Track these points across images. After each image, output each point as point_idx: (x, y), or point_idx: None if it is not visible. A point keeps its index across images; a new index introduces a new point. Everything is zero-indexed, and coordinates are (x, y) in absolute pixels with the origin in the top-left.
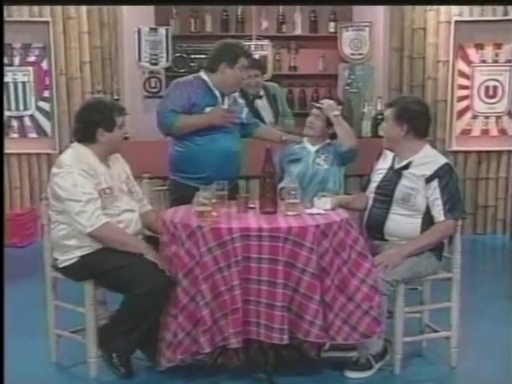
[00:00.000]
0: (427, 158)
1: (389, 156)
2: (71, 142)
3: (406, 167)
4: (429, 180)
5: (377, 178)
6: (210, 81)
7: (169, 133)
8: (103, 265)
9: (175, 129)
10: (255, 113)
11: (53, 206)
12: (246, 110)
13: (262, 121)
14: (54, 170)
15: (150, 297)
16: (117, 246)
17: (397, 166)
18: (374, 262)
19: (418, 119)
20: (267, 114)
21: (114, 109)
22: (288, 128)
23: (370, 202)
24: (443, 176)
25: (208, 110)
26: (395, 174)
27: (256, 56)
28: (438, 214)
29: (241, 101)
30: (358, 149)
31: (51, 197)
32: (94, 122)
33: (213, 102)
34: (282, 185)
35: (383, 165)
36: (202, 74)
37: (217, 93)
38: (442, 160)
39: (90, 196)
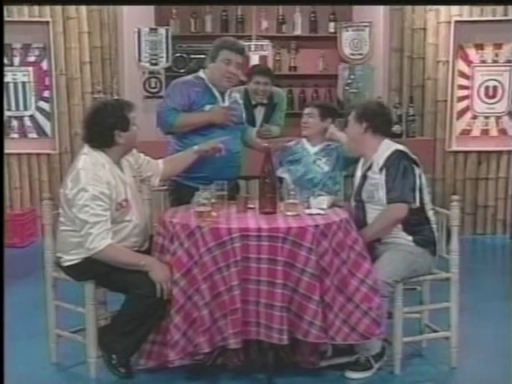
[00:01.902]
0: (382, 152)
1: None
2: (84, 147)
3: (370, 168)
4: (381, 170)
5: (354, 188)
6: (206, 78)
7: (169, 131)
8: (106, 265)
9: (176, 127)
10: (251, 118)
11: (65, 213)
12: (244, 112)
13: (253, 125)
14: (69, 184)
15: (152, 298)
16: (123, 266)
17: (362, 170)
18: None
19: (375, 117)
20: (259, 120)
21: (124, 107)
22: (270, 132)
23: (354, 209)
24: (391, 163)
25: (208, 107)
26: (362, 178)
27: (265, 64)
28: (382, 199)
29: (241, 101)
30: None
31: (65, 205)
32: (109, 125)
33: (212, 101)
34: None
35: (358, 174)
36: (201, 73)
37: (215, 91)
38: (393, 148)
39: (98, 218)
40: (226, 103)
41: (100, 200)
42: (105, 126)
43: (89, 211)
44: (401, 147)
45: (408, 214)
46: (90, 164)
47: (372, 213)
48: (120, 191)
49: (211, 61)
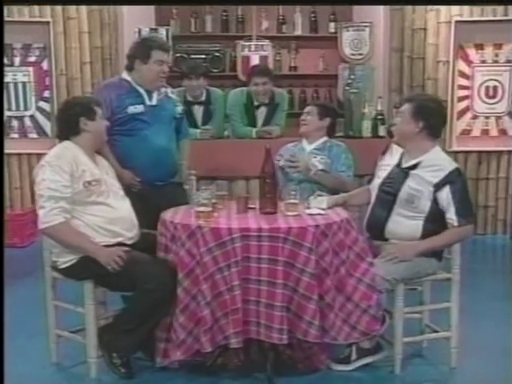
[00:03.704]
0: (437, 162)
1: (396, 152)
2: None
3: (414, 167)
4: (440, 186)
5: (381, 174)
6: (132, 80)
7: None
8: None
9: None
10: (252, 118)
11: None
12: (180, 108)
13: (254, 125)
14: (36, 169)
15: (159, 292)
16: (69, 248)
17: (404, 165)
18: (372, 262)
19: (434, 117)
20: (260, 120)
21: (91, 100)
22: (270, 134)
23: (373, 200)
24: (455, 181)
25: (131, 108)
26: (401, 173)
27: (264, 63)
28: (451, 219)
29: (174, 96)
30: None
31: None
32: (74, 114)
33: (138, 101)
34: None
35: (390, 161)
36: (124, 74)
37: (142, 91)
38: (452, 165)
39: (54, 193)
40: (154, 101)
41: (59, 175)
42: (70, 113)
43: (46, 185)
44: (457, 165)
45: (433, 224)
46: (59, 148)
47: (399, 215)
48: (90, 172)
49: (142, 62)
